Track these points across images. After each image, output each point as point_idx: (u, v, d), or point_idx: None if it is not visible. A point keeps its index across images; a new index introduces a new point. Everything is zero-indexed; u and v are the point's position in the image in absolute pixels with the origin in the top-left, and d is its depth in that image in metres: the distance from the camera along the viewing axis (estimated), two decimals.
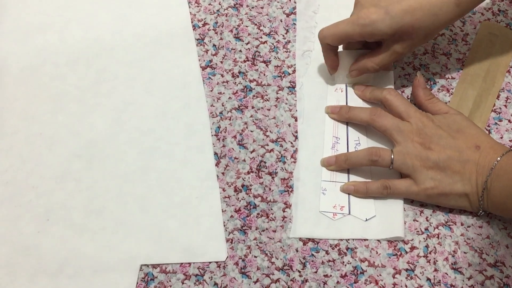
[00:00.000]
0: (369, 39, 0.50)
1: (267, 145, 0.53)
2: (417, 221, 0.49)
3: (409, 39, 0.49)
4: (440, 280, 0.47)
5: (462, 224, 0.49)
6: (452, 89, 0.55)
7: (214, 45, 0.58)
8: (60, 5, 0.61)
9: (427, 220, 0.49)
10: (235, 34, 0.59)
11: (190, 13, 0.60)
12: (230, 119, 0.54)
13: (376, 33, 0.48)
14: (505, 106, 0.54)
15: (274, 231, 0.49)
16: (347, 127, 0.53)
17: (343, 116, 0.52)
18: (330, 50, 0.52)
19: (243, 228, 0.49)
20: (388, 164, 0.48)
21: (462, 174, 0.46)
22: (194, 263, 0.48)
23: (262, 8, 0.60)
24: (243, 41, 0.58)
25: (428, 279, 0.47)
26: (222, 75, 0.57)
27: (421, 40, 0.49)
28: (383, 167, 0.49)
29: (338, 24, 0.50)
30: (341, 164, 0.50)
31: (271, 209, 0.50)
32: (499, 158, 0.45)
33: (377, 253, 0.48)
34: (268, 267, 0.48)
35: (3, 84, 0.56)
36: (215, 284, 0.47)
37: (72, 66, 0.57)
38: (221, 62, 0.57)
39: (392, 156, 0.48)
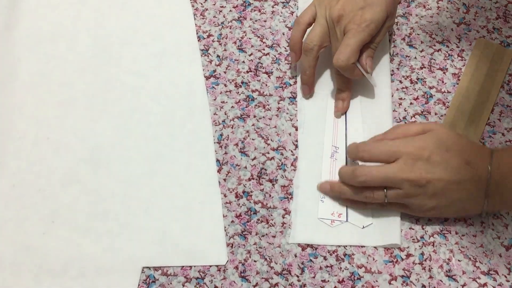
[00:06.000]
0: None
1: (268, 153, 0.55)
2: (413, 229, 0.50)
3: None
4: (435, 287, 0.48)
5: (456, 233, 0.50)
6: (448, 102, 0.57)
7: (218, 56, 0.60)
8: (71, 15, 0.63)
9: (423, 229, 0.50)
10: (238, 46, 0.61)
11: (196, 24, 0.62)
12: (232, 127, 0.56)
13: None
14: (499, 120, 0.56)
15: (274, 237, 0.50)
16: (345, 137, 0.55)
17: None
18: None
19: (243, 233, 0.51)
20: (382, 200, 0.48)
21: (460, 195, 0.47)
22: (195, 266, 0.49)
23: (265, 21, 0.62)
24: (246, 52, 0.60)
25: (423, 286, 0.48)
26: (225, 85, 0.58)
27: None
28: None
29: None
30: (335, 194, 0.51)
31: (271, 215, 0.51)
32: (489, 167, 0.46)
33: (373, 259, 0.49)
34: (267, 271, 0.49)
35: (13, 89, 0.58)
36: (215, 287, 0.48)
37: (80, 74, 0.59)
38: (225, 72, 0.59)
39: (386, 195, 0.48)
